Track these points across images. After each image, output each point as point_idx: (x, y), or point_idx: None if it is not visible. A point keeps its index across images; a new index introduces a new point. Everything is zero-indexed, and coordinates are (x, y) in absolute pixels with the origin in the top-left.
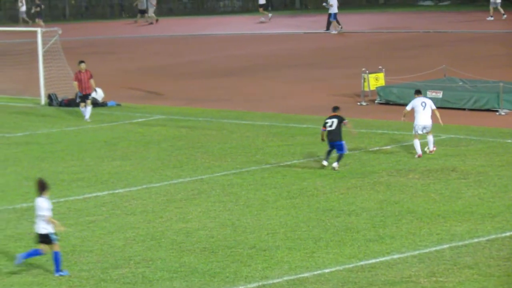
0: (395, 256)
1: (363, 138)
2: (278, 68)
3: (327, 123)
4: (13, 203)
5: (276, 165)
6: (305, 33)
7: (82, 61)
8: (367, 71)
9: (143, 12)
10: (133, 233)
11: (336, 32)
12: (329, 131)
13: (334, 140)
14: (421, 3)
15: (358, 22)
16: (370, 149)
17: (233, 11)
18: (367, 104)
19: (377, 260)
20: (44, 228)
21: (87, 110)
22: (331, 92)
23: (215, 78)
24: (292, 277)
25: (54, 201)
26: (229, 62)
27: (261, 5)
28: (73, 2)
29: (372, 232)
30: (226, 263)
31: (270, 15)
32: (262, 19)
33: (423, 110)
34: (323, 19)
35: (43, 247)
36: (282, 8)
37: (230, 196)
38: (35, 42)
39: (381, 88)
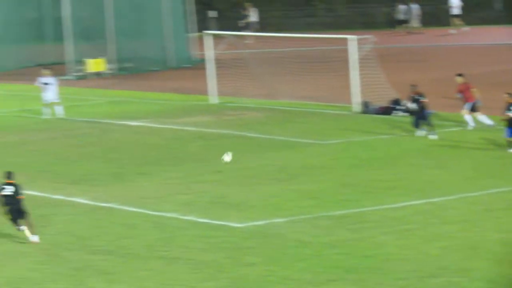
0: None
1: None
2: None
3: None
4: (329, 210)
5: None
6: None
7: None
8: None
9: (402, 22)
10: (449, 242)
11: None
12: None
13: None
14: None
15: None
16: None
17: None
18: None
19: None
20: None
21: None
22: None
23: None
24: None
25: (369, 209)
26: None
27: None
28: (384, 9)
29: None
30: None
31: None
32: (452, 31)
33: None
34: None
35: None
36: None
37: None
38: (348, 50)
39: None
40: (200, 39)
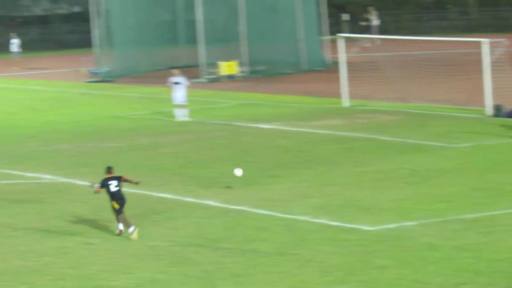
0: None
1: None
2: None
3: None
4: (461, 213)
5: None
6: None
7: None
8: None
9: None
10: None
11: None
12: None
13: None
14: None
15: None
16: None
17: None
18: None
19: None
20: None
21: None
22: None
23: None
24: None
25: (500, 212)
26: None
27: None
28: None
29: None
30: None
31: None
32: None
33: None
34: None
35: None
36: None
37: None
38: (481, 53)
39: None
40: (333, 42)
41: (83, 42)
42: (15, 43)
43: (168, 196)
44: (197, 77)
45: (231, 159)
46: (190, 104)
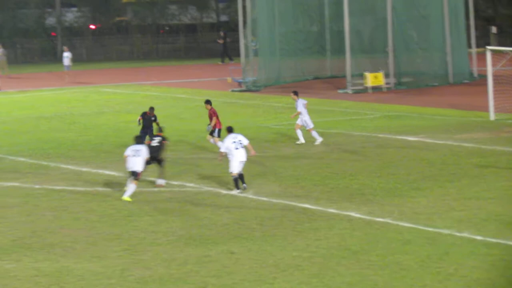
0: None
1: None
2: None
3: None
4: None
5: None
6: None
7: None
8: None
9: None
10: None
11: None
12: None
13: None
14: None
15: None
16: None
17: None
18: None
19: None
20: None
21: None
22: None
23: None
24: None
25: None
26: None
27: None
28: None
29: None
30: None
31: None
32: None
33: None
34: None
35: None
36: None
37: None
38: None
39: None
40: (481, 54)
41: (230, 51)
42: (67, 57)
43: (311, 207)
44: (343, 87)
45: (375, 171)
46: (336, 115)
